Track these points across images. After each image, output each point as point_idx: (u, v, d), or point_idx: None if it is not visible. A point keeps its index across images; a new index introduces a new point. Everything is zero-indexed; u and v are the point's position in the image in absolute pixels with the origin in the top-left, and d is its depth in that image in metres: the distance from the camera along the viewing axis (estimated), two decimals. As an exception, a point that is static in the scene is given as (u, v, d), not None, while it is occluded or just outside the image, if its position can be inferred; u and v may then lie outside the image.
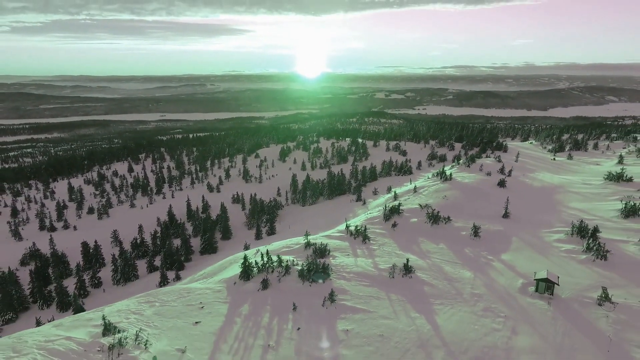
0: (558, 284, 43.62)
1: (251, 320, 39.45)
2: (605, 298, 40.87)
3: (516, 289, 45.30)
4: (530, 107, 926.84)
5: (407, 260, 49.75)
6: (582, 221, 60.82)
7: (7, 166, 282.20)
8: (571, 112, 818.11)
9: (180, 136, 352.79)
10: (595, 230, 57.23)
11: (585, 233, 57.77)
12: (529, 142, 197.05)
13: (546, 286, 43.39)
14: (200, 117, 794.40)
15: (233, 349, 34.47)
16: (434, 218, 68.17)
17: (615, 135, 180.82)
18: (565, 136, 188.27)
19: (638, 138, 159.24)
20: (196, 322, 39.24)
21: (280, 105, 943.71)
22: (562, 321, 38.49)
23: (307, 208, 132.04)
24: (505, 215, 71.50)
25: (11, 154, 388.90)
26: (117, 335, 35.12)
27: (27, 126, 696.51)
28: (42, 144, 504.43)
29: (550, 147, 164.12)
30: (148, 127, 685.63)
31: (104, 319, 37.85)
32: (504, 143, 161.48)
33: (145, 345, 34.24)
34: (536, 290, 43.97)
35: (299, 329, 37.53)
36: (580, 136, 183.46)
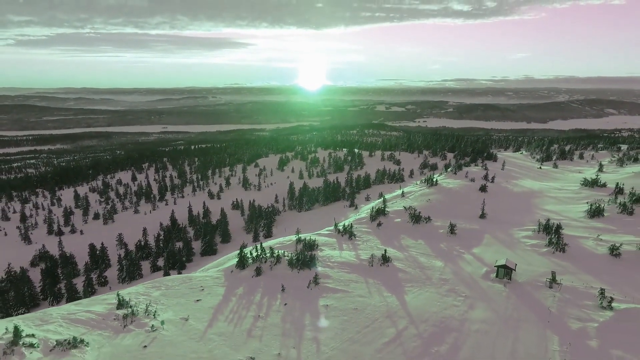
0: (515, 270, 49.63)
1: (245, 298, 45.43)
2: (553, 280, 46.87)
3: (480, 275, 51.24)
4: (530, 120, 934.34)
5: (385, 251, 55.81)
6: (548, 220, 66.97)
7: (11, 177, 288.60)
8: (571, 124, 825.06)
9: (182, 147, 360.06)
10: (559, 227, 63.21)
11: (550, 230, 63.75)
12: (520, 152, 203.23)
13: (505, 272, 49.35)
14: (202, 129, 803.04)
15: (228, 318, 40.46)
16: (416, 218, 74.24)
17: (601, 145, 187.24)
18: (555, 147, 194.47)
19: (622, 148, 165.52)
20: (197, 300, 45.23)
21: (282, 117, 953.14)
22: (514, 299, 44.46)
23: (303, 214, 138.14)
24: (482, 215, 77.57)
25: (15, 164, 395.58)
26: (130, 308, 41.24)
27: (30, 137, 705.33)
28: (45, 155, 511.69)
29: (538, 157, 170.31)
30: (150, 138, 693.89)
31: (118, 295, 44.04)
32: (494, 153, 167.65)
33: (154, 315, 40.25)
34: (496, 276, 49.90)
35: (285, 304, 43.52)
36: (568, 147, 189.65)
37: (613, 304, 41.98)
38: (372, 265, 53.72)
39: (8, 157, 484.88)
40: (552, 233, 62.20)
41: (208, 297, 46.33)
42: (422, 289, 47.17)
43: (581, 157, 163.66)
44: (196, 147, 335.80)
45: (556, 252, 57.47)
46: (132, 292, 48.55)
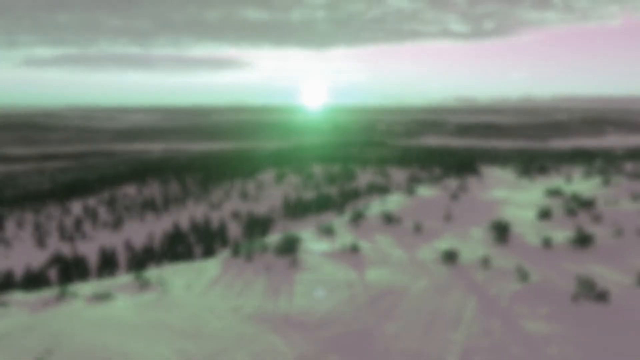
0: (458, 255, 60.82)
1: (237, 273, 56.70)
2: (486, 262, 58.07)
3: (430, 260, 62.39)
4: (530, 138, 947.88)
5: (355, 242, 67.15)
6: (500, 219, 78.20)
7: (19, 192, 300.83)
8: (571, 143, 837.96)
9: (185, 163, 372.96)
10: (507, 225, 74.39)
11: (499, 227, 74.95)
12: (505, 167, 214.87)
13: (449, 256, 60.51)
14: (205, 147, 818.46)
15: (222, 285, 51.75)
16: (388, 219, 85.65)
17: (579, 160, 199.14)
18: (537, 162, 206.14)
19: (596, 163, 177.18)
20: (198, 275, 56.51)
21: (283, 135, 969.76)
22: (449, 274, 55.57)
23: (296, 222, 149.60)
24: (447, 217, 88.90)
25: (19, 181, 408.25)
26: (145, 280, 52.54)
27: (35, 155, 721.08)
28: (49, 172, 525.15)
29: (519, 171, 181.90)
30: (153, 156, 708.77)
31: (135, 272, 55.47)
32: (478, 167, 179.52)
33: (164, 283, 51.57)
34: (443, 259, 61.04)
35: (268, 277, 54.77)
36: (548, 162, 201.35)
37: (529, 278, 53.05)
38: (343, 253, 64.96)
39: (13, 174, 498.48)
40: (500, 229, 73.40)
41: (207, 273, 57.61)
42: (380, 268, 58.33)
43: (557, 170, 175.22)
44: (198, 163, 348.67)
45: (499, 243, 68.71)
46: (146, 272, 59.87)
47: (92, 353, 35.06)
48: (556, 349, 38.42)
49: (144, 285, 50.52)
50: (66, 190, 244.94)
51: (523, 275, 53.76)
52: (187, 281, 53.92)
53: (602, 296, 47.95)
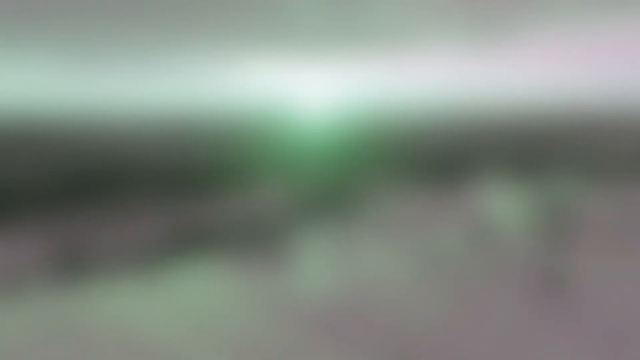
0: (441, 252, 64.60)
1: (236, 269, 60.56)
2: (466, 257, 61.85)
3: (416, 256, 66.19)
4: (528, 142, 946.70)
5: (347, 240, 71.05)
6: (483, 219, 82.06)
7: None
8: (568, 147, 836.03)
9: (184, 166, 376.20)
10: (489, 224, 78.26)
11: (482, 226, 78.80)
12: (501, 171, 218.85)
13: (434, 252, 64.30)
14: (204, 149, 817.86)
15: (223, 279, 55.64)
16: (381, 220, 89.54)
17: (574, 163, 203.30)
18: (532, 165, 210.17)
19: (589, 166, 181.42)
20: (199, 271, 60.35)
21: (281, 138, 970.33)
22: (433, 269, 59.35)
23: (294, 222, 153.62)
24: (438, 218, 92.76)
25: (18, 183, 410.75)
26: (151, 274, 56.29)
27: (35, 158, 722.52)
28: (49, 175, 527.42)
29: (512, 174, 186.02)
30: (153, 158, 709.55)
31: (140, 268, 59.26)
32: (474, 170, 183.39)
33: (169, 277, 55.31)
34: (428, 255, 64.83)
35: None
36: (545, 166, 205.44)
37: (505, 272, 56.80)
38: (336, 250, 68.81)
39: (13, 177, 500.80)
40: (483, 229, 77.20)
41: (207, 270, 61.45)
42: (370, 264, 62.14)
43: (551, 173, 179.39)
44: (198, 165, 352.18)
45: (481, 242, 72.56)
46: (150, 269, 63.58)
47: (110, 335, 38.86)
48: (525, 337, 42.34)
49: (150, 279, 54.19)
50: (68, 192, 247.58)
51: (499, 269, 57.66)
52: (189, 277, 57.70)
53: (572, 288, 51.86)
